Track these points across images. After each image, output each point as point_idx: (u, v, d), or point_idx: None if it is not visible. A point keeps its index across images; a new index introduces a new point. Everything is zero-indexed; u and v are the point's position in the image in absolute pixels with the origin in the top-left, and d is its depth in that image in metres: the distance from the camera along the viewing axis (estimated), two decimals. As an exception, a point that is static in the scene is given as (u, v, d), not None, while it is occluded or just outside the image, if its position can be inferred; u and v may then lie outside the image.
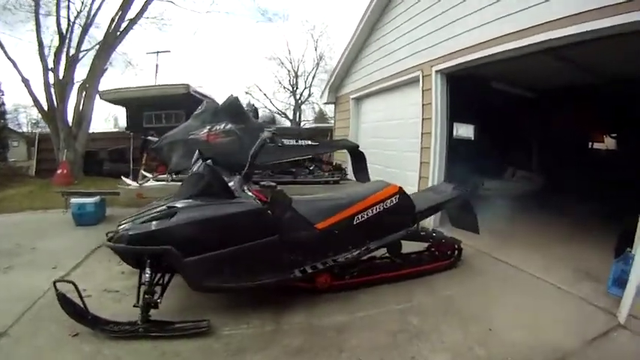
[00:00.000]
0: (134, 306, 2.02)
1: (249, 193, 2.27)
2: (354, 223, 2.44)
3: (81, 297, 2.00)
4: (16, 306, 2.16)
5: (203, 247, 2.02)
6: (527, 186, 5.49)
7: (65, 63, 7.98)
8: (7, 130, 13.35)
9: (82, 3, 8.04)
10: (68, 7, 7.86)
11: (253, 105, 6.03)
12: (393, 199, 2.56)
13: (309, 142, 4.22)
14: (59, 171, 7.42)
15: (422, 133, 4.39)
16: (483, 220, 3.23)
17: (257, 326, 2.12)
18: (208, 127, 4.06)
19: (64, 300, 2.00)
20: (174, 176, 4.28)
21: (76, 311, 2.01)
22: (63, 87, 7.97)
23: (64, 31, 7.88)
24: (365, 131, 6.29)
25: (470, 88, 4.58)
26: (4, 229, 4.05)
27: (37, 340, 1.92)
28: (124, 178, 4.58)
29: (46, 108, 8.11)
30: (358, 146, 4.64)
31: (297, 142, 4.12)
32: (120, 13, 7.91)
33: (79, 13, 8.14)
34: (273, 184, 2.42)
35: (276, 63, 20.42)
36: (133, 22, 8.15)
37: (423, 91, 4.38)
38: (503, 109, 5.72)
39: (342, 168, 4.89)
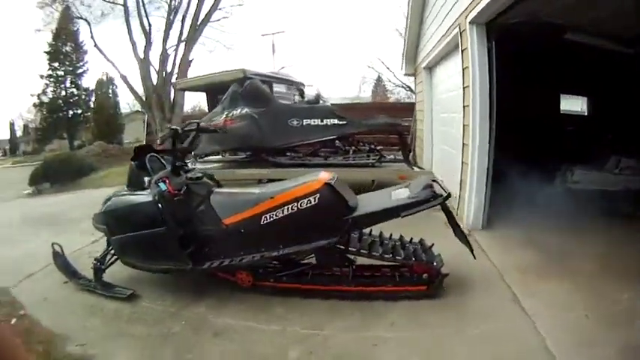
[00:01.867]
0: (90, 268, 3.09)
1: (162, 186, 2.68)
2: (261, 222, 2.51)
3: (63, 256, 3.36)
4: (47, 259, 3.75)
5: (118, 229, 2.86)
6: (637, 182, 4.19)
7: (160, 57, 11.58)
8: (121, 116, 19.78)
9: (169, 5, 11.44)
10: (146, 16, 11.42)
11: (299, 85, 6.76)
12: (312, 198, 2.41)
13: (336, 121, 4.61)
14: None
15: (463, 106, 3.86)
16: (545, 227, 3.15)
17: (166, 306, 2.74)
18: (226, 113, 5.07)
19: (56, 257, 3.36)
20: (198, 160, 5.64)
21: (63, 265, 3.33)
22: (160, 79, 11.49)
23: (149, 31, 11.48)
24: (436, 105, 5.86)
25: (529, 43, 3.85)
26: (86, 201, 6.33)
27: (46, 281, 3.38)
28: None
29: (144, 98, 11.92)
30: (398, 124, 4.72)
31: (321, 121, 4.62)
32: (196, 10, 10.85)
33: (172, 11, 11.47)
34: (200, 174, 2.84)
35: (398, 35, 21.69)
36: (208, 15, 11.14)
37: (461, 51, 3.80)
38: (594, 74, 4.71)
39: (375, 149, 4.99)
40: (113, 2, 11.74)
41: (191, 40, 11.69)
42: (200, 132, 3.11)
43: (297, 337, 2.28)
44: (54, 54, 24.17)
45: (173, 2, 11.67)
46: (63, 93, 25.27)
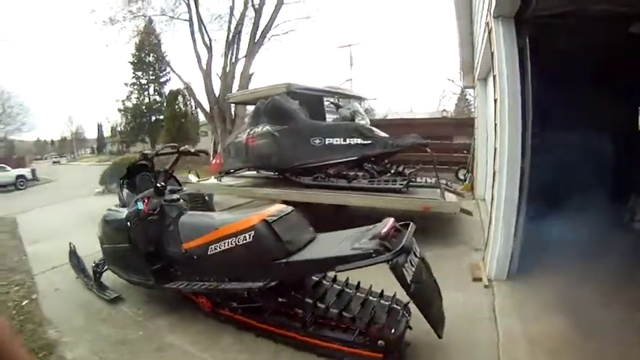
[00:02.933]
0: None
1: (140, 205, 3.05)
2: (209, 252, 2.64)
3: (77, 255, 4.20)
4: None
5: (105, 240, 3.41)
6: None
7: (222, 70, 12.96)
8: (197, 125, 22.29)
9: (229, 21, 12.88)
10: (206, 31, 12.88)
11: (358, 99, 6.95)
12: (247, 235, 2.45)
13: (360, 141, 4.69)
14: (213, 160, 10.49)
15: (494, 125, 3.55)
16: (594, 283, 2.81)
17: (137, 314, 3.19)
18: (248, 130, 5.50)
19: (71, 255, 4.19)
20: (222, 175, 6.24)
21: (76, 263, 4.14)
22: (222, 91, 12.71)
23: (210, 45, 12.94)
24: (488, 120, 5.51)
25: (580, 41, 3.34)
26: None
27: (64, 275, 4.20)
28: (190, 176, 6.76)
29: (208, 109, 13.28)
30: (426, 144, 4.56)
31: (344, 140, 4.76)
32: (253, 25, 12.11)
33: (231, 26, 12.98)
34: (176, 197, 3.19)
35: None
36: (265, 31, 12.25)
37: (491, 55, 3.50)
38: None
39: (401, 173, 4.78)
40: (177, 18, 13.55)
41: (251, 55, 12.95)
42: (181, 154, 3.52)
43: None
44: (137, 64, 29.22)
45: (232, 18, 13.13)
46: (146, 100, 30.21)
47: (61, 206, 9.96)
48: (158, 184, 3.22)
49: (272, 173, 6.01)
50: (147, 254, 3.04)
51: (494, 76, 3.47)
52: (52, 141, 63.09)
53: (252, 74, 13.18)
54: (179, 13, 13.37)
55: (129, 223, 3.03)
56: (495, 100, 3.41)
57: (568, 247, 3.39)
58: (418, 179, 5.17)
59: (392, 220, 2.27)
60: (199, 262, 2.78)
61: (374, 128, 4.95)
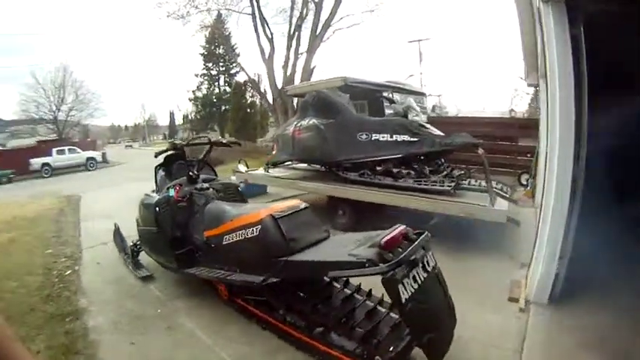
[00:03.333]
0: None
1: (171, 192, 3.29)
2: (223, 242, 2.77)
3: (121, 234, 4.63)
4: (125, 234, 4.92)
5: (140, 222, 3.69)
6: None
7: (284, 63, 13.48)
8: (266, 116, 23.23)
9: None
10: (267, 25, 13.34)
11: (418, 95, 6.84)
12: (254, 229, 2.52)
13: (407, 138, 4.62)
14: (274, 152, 12.72)
15: (546, 124, 3.23)
16: None
17: (162, 294, 3.44)
18: (295, 122, 5.63)
19: (116, 233, 4.65)
20: (270, 166, 6.39)
21: (119, 241, 4.57)
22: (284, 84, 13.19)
23: (271, 38, 13.48)
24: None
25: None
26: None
27: (109, 251, 4.64)
28: (239, 165, 7.09)
29: (271, 101, 13.91)
30: (477, 145, 4.34)
31: (391, 136, 4.72)
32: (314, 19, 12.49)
33: (300, 18, 13.32)
34: (206, 186, 3.38)
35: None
36: (326, 25, 12.61)
37: (542, 44, 3.15)
38: None
39: (450, 174, 4.58)
40: (241, 12, 14.36)
41: (312, 48, 13.44)
42: (213, 145, 3.76)
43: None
44: (208, 56, 31.34)
45: (294, 12, 13.71)
46: (216, 90, 32.22)
47: (123, 187, 10.90)
48: (191, 173, 3.46)
49: (320, 167, 6.09)
50: (173, 239, 3.24)
51: (544, 71, 3.19)
52: (125, 126, 70.26)
53: (314, 67, 13.72)
54: (242, 8, 14.22)
55: (157, 209, 3.26)
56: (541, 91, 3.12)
57: (628, 269, 3.02)
58: (473, 182, 4.90)
59: (402, 227, 2.13)
60: (216, 251, 2.91)
61: (427, 125, 4.79)
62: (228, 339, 2.68)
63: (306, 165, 6.38)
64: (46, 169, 19.35)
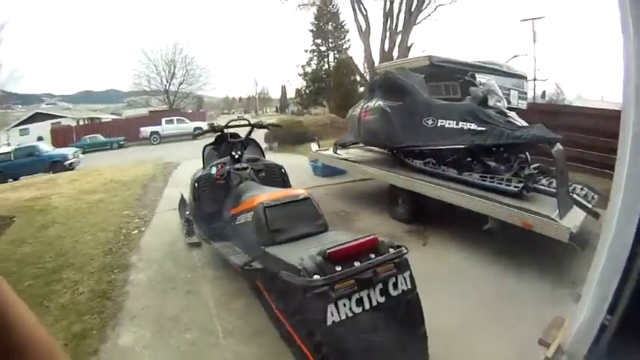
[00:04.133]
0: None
1: (213, 169, 3.72)
2: (236, 222, 3.06)
3: (185, 202, 5.31)
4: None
5: (189, 195, 4.19)
6: None
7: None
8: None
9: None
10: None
11: (519, 77, 6.39)
12: (249, 214, 2.77)
13: (473, 127, 4.44)
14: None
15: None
16: None
17: (198, 261, 3.99)
18: (362, 104, 5.74)
19: (181, 201, 5.35)
20: (338, 147, 6.58)
21: (182, 207, 5.27)
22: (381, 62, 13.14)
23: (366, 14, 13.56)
24: None
25: None
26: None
27: (176, 216, 5.60)
28: (312, 144, 7.47)
29: (368, 79, 14.19)
30: (554, 140, 3.97)
31: (457, 124, 4.61)
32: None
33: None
34: (244, 165, 3.69)
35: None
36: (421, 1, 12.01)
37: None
38: None
39: (518, 174, 4.25)
40: None
41: (408, 25, 13.39)
42: (254, 127, 4.17)
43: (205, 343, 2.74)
44: (317, 32, 33.15)
45: None
46: (325, 66, 34.33)
47: None
48: (233, 152, 3.91)
49: (386, 151, 6.20)
50: (208, 213, 3.72)
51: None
52: (240, 98, 77.36)
53: (411, 45, 13.82)
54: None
55: (197, 184, 3.78)
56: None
57: None
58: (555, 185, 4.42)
59: (370, 237, 1.97)
60: (234, 230, 3.26)
61: (509, 114, 4.44)
62: (230, 311, 3.07)
63: (376, 148, 6.47)
64: (154, 137, 23.15)
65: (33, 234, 5.24)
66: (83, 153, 18.74)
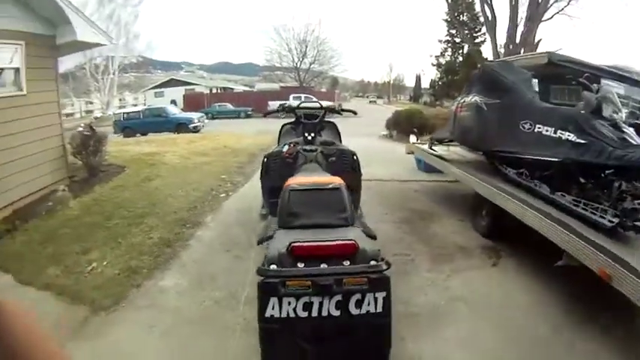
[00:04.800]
0: None
1: (285, 147, 3.85)
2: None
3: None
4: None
5: None
6: None
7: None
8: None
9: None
10: None
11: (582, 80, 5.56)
12: (283, 195, 2.81)
13: (572, 138, 3.85)
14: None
15: None
16: None
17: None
18: (459, 98, 5.56)
19: None
20: (433, 142, 6.53)
21: None
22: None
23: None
24: None
25: None
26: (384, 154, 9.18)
27: None
28: (411, 136, 7.38)
29: None
30: None
31: (555, 132, 4.07)
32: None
33: None
34: (313, 147, 3.81)
35: None
36: None
37: None
38: None
39: (617, 205, 3.43)
40: None
41: (534, 19, 12.56)
42: (326, 110, 4.28)
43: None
44: (451, 22, 32.24)
45: None
46: (460, 59, 34.23)
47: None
48: (306, 134, 4.12)
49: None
50: (271, 189, 3.93)
51: None
52: (375, 82, 79.25)
53: (538, 41, 13.11)
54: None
55: (266, 159, 4.01)
56: None
57: None
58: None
59: (349, 242, 1.95)
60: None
61: (624, 128, 3.84)
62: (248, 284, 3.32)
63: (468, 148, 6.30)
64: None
65: (137, 183, 6.29)
66: (212, 119, 21.25)
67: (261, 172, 3.97)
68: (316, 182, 2.78)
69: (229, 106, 27.71)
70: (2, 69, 5.22)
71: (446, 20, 33.43)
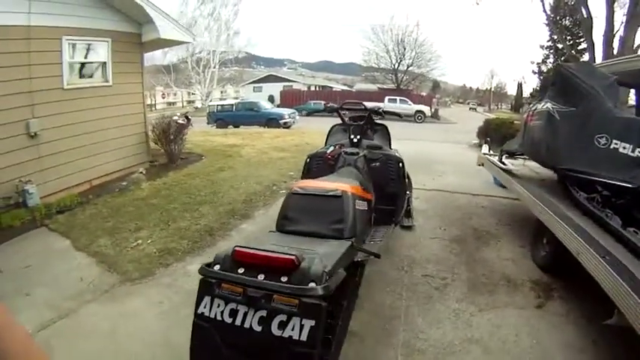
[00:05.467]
0: None
1: (330, 148, 3.94)
2: None
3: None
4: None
5: None
6: None
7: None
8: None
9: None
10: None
11: None
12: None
13: None
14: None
15: None
16: None
17: None
18: (530, 105, 4.96)
19: None
20: (504, 153, 5.66)
21: None
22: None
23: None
24: None
25: None
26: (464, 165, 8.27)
27: None
28: (483, 146, 6.77)
29: None
30: None
31: (632, 150, 3.38)
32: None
33: None
34: (355, 151, 3.81)
35: None
36: None
37: None
38: None
39: None
40: None
41: (635, 19, 11.33)
42: (370, 112, 4.22)
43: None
44: (553, 26, 29.01)
45: None
46: None
47: (417, 145, 12.34)
48: (352, 136, 4.14)
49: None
50: None
51: None
52: (477, 89, 75.91)
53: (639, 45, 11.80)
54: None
55: (309, 159, 4.16)
56: None
57: None
58: None
59: (290, 257, 1.80)
60: None
61: None
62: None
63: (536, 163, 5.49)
64: None
65: (208, 173, 6.75)
66: (307, 116, 21.89)
67: (303, 172, 4.08)
68: (320, 188, 2.69)
69: (323, 104, 28.55)
70: (91, 62, 6.04)
71: (547, 24, 31.18)
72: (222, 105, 22.24)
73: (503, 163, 5.70)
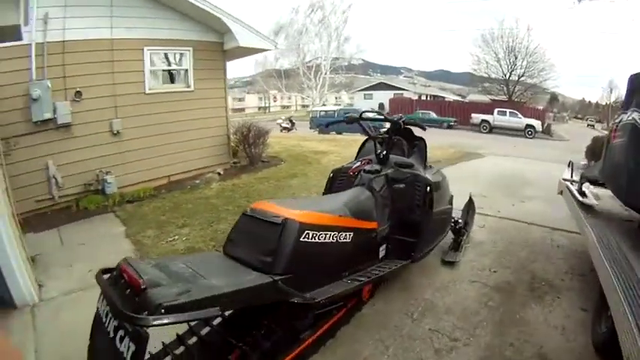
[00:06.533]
0: None
1: (356, 163, 3.56)
2: None
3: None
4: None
5: None
6: None
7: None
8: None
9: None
10: None
11: None
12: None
13: None
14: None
15: None
16: None
17: None
18: (616, 118, 3.59)
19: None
20: (584, 180, 4.46)
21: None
22: None
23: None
24: None
25: None
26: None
27: None
28: (565, 170, 5.20)
29: None
30: None
31: None
32: None
33: None
34: (376, 168, 3.46)
35: None
36: None
37: None
38: None
39: None
40: None
41: None
42: (392, 122, 3.62)
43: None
44: None
45: None
46: None
47: (512, 163, 10.47)
48: (379, 151, 3.71)
49: None
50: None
51: None
52: (596, 103, 68.02)
53: None
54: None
55: (332, 174, 3.84)
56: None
57: None
58: None
59: (138, 280, 1.82)
60: None
61: None
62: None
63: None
64: (484, 126, 24.77)
65: (279, 178, 7.05)
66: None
67: (325, 188, 3.75)
68: (269, 212, 2.39)
69: (432, 115, 27.61)
70: (173, 70, 6.87)
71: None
72: (326, 111, 23.07)
73: (582, 194, 4.25)
